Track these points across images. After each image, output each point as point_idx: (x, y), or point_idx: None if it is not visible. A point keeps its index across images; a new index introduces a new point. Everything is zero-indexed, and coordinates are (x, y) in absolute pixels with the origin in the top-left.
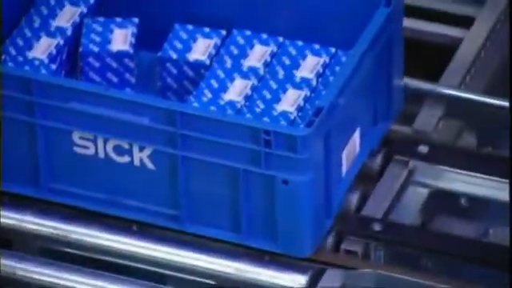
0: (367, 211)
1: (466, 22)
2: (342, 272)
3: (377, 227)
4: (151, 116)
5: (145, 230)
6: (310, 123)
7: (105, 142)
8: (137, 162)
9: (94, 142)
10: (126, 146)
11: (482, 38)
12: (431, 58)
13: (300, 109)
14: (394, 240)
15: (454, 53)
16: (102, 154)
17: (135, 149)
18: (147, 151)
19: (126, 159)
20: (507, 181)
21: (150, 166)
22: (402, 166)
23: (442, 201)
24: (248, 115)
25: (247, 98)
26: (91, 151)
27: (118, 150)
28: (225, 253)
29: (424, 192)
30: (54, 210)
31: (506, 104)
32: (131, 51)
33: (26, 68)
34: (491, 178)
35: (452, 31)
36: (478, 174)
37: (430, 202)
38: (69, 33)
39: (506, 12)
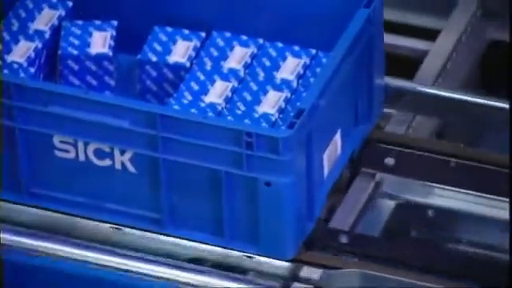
0: (334, 223)
1: (431, 35)
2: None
3: (344, 239)
4: (132, 119)
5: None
6: (291, 125)
7: (85, 146)
8: (118, 166)
9: (75, 145)
10: (107, 150)
11: (447, 51)
12: (398, 71)
13: (281, 110)
14: (361, 252)
15: (420, 65)
16: (82, 158)
17: (116, 152)
18: (128, 154)
19: (107, 163)
20: (473, 192)
21: (131, 169)
22: (369, 178)
23: (409, 213)
24: (229, 117)
25: (228, 100)
26: (72, 155)
27: (99, 153)
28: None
29: (391, 204)
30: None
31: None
32: (110, 54)
33: (5, 72)
34: (457, 189)
35: (418, 44)
36: (445, 186)
37: (397, 214)
38: (47, 36)
39: (472, 22)
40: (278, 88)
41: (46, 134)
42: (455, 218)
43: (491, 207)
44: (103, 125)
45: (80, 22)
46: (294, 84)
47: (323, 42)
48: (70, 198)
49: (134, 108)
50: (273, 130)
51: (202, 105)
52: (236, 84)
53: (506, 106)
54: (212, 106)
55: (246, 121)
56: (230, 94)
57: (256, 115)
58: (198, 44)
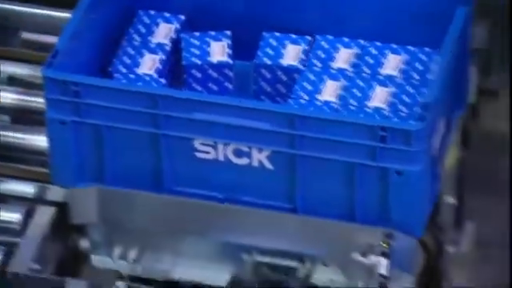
0: None
1: None
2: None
3: None
4: (270, 120)
5: None
6: (421, 118)
7: (225, 147)
8: (255, 163)
9: (215, 147)
10: (246, 149)
11: None
12: None
13: (390, 104)
14: None
15: None
16: (221, 158)
17: (254, 151)
18: (266, 152)
19: (244, 161)
20: None
21: (268, 166)
22: None
23: None
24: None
25: (340, 97)
26: (211, 156)
27: (238, 152)
28: None
29: None
30: None
31: None
32: (231, 62)
33: (139, 84)
34: None
35: None
36: None
37: None
38: (168, 48)
39: None
40: (383, 84)
41: (187, 138)
42: None
43: None
44: (244, 127)
45: (197, 34)
46: (398, 79)
47: (417, 39)
48: (208, 194)
49: (274, 110)
50: (406, 124)
51: (319, 103)
52: (345, 83)
53: None
54: (328, 103)
55: (361, 116)
56: (341, 92)
57: (369, 110)
58: (307, 47)
